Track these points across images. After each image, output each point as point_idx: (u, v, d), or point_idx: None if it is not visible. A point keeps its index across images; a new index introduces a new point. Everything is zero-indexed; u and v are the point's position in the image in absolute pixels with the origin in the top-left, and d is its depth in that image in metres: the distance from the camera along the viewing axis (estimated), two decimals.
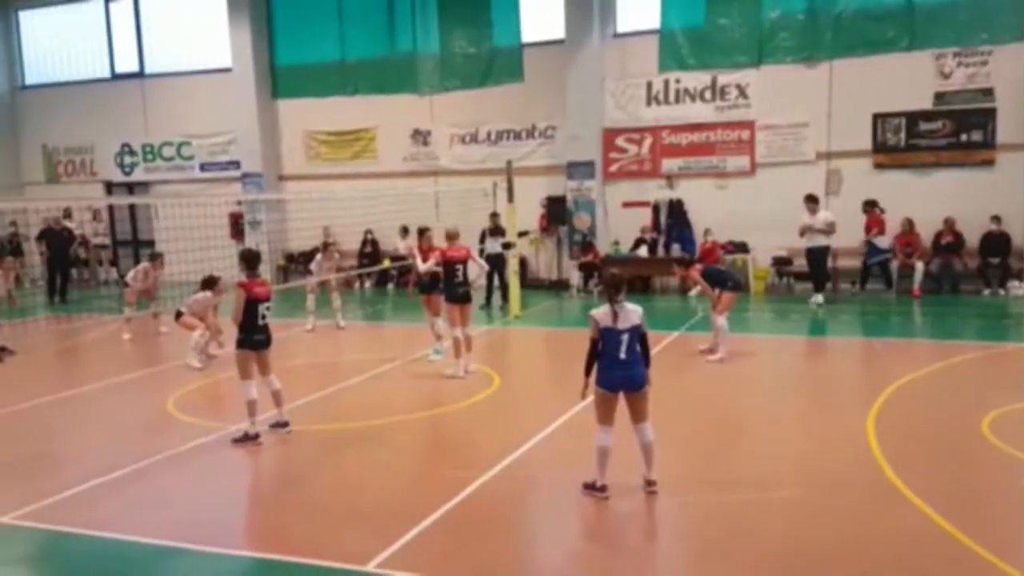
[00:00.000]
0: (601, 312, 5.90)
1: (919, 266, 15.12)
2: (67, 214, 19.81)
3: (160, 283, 13.88)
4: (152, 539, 5.60)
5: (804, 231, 14.67)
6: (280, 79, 20.26)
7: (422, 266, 10.60)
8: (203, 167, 21.30)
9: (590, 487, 5.98)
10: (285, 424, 7.85)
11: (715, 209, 16.75)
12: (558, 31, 17.53)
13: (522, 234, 14.64)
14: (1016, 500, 5.94)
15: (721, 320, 10.48)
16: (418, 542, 5.39)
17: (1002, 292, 14.93)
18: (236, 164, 20.61)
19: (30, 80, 22.94)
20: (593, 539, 5.66)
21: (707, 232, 16.55)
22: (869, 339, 12.17)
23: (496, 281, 15.76)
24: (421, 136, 19.24)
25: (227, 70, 20.20)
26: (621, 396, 5.89)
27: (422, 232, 10.95)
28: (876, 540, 5.23)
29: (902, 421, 7.79)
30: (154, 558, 5.42)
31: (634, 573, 5.07)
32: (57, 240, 18.57)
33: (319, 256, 13.89)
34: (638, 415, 5.91)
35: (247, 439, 7.51)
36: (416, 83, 18.82)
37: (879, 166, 15.88)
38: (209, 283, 11.12)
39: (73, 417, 8.99)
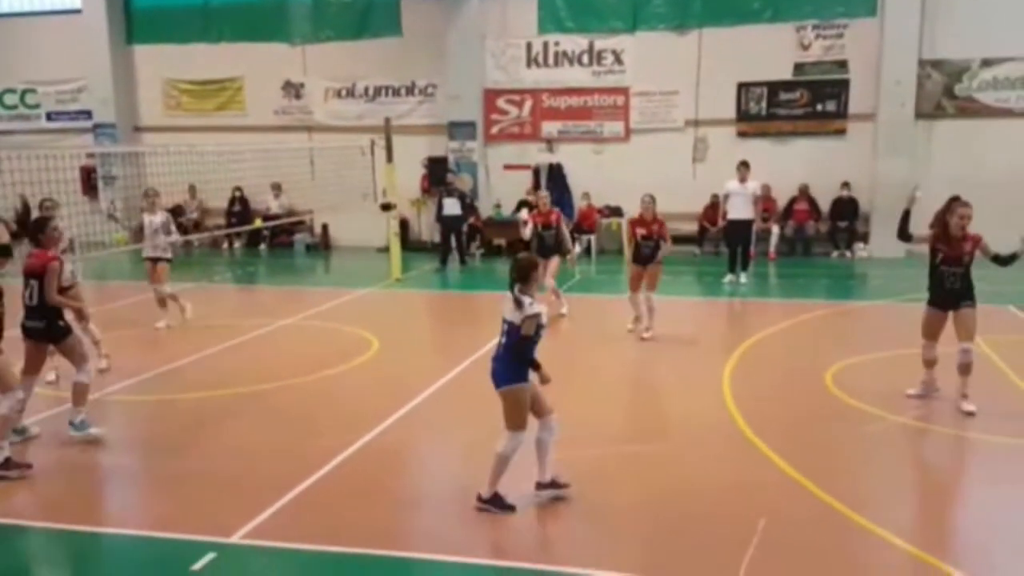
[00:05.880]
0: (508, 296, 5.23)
1: (775, 230, 16.01)
2: None
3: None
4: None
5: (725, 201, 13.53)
6: (136, 22, 18.97)
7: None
8: (50, 116, 19.83)
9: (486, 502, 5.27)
10: (24, 432, 6.56)
11: (592, 174, 17.06)
12: None
13: (386, 207, 14.26)
14: (851, 445, 6.48)
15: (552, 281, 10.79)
16: (286, 512, 5.31)
17: (848, 254, 16.07)
18: (87, 114, 19.24)
19: None
20: (460, 501, 5.72)
21: (584, 196, 16.87)
22: (728, 300, 12.83)
23: (453, 242, 15.83)
24: (293, 89, 18.51)
25: (76, 11, 18.73)
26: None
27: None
28: (724, 483, 5.61)
29: (754, 374, 8.31)
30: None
31: (497, 529, 5.19)
32: None
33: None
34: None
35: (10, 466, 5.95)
36: (288, 32, 18.05)
37: (742, 134, 16.59)
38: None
39: None
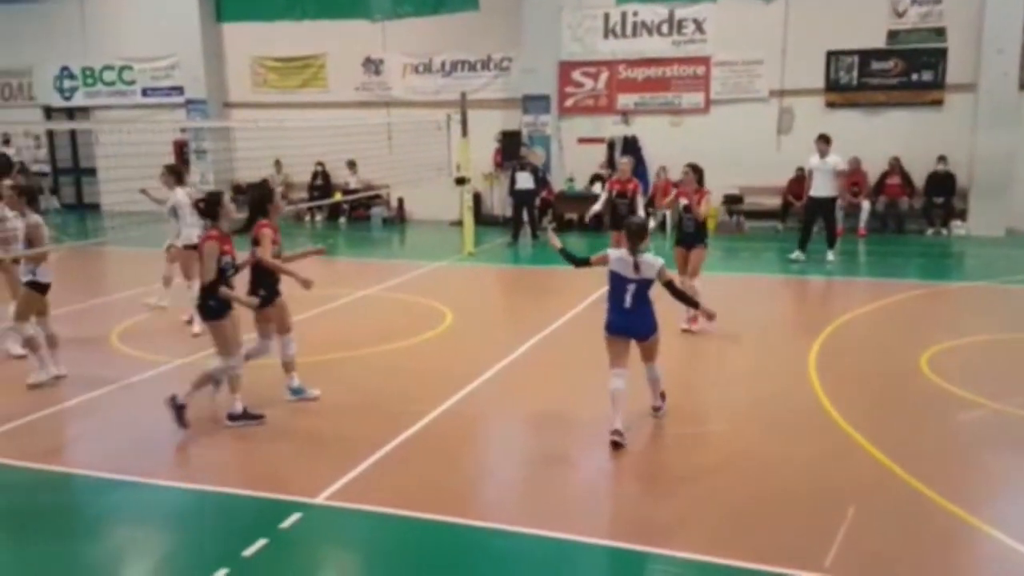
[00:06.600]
0: (617, 255, 5.99)
1: (865, 205, 15.39)
2: (5, 140, 19.16)
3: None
4: (93, 471, 5.61)
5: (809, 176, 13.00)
6: (225, 1, 19.46)
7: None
8: (145, 92, 20.61)
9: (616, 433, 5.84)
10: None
11: (669, 147, 16.61)
12: None
13: (460, 181, 14.36)
14: (945, 432, 6.20)
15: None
16: (367, 476, 5.44)
17: (944, 232, 15.33)
18: (179, 90, 19.95)
19: None
20: (534, 471, 5.76)
21: (661, 170, 16.55)
22: (814, 278, 12.41)
23: (525, 216, 15.80)
24: (373, 65, 18.73)
25: None
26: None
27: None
28: (812, 469, 5.45)
29: (843, 357, 8.03)
30: (96, 489, 5.43)
31: (565, 499, 5.19)
32: None
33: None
34: (646, 357, 6.22)
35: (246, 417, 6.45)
36: (368, 8, 18.20)
37: (831, 105, 15.95)
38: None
39: None
